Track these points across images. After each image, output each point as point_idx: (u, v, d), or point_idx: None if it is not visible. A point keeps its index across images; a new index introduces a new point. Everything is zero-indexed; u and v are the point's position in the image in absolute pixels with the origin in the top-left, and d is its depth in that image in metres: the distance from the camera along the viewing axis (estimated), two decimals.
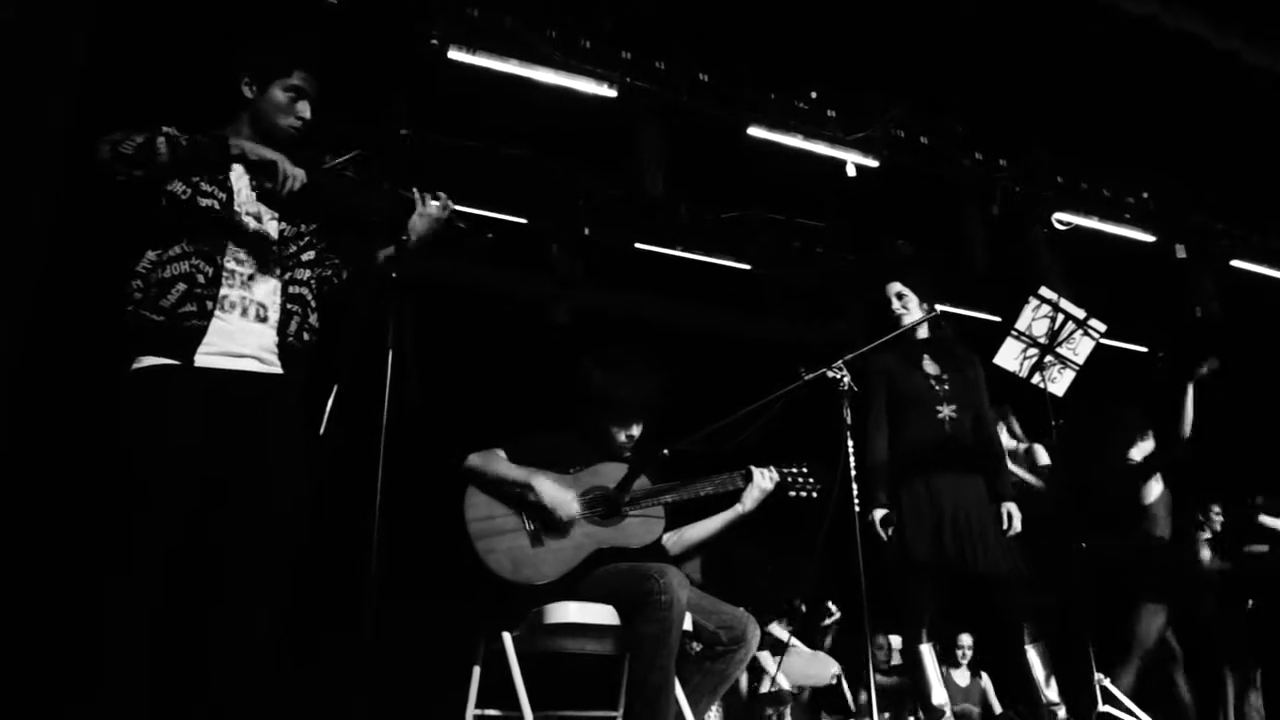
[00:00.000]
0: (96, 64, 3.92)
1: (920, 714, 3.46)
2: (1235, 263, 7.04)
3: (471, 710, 2.79)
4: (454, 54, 4.81)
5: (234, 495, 2.22)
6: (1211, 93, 5.63)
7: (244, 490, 2.23)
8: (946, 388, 3.56)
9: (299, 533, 2.30)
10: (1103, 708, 3.69)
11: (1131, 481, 4.73)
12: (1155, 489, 4.74)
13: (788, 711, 4.74)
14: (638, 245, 6.18)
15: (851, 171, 5.77)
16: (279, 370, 2.34)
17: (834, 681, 5.04)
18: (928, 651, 3.46)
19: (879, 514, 3.45)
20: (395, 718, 3.60)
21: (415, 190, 2.53)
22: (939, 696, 3.43)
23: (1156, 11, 5.19)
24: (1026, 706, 3.56)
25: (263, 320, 2.33)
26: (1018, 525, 3.48)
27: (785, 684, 4.62)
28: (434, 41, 4.79)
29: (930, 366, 3.62)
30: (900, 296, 3.67)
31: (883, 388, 3.59)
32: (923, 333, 3.68)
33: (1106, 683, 3.71)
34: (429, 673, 3.65)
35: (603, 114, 5.21)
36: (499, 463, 2.87)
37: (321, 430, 2.36)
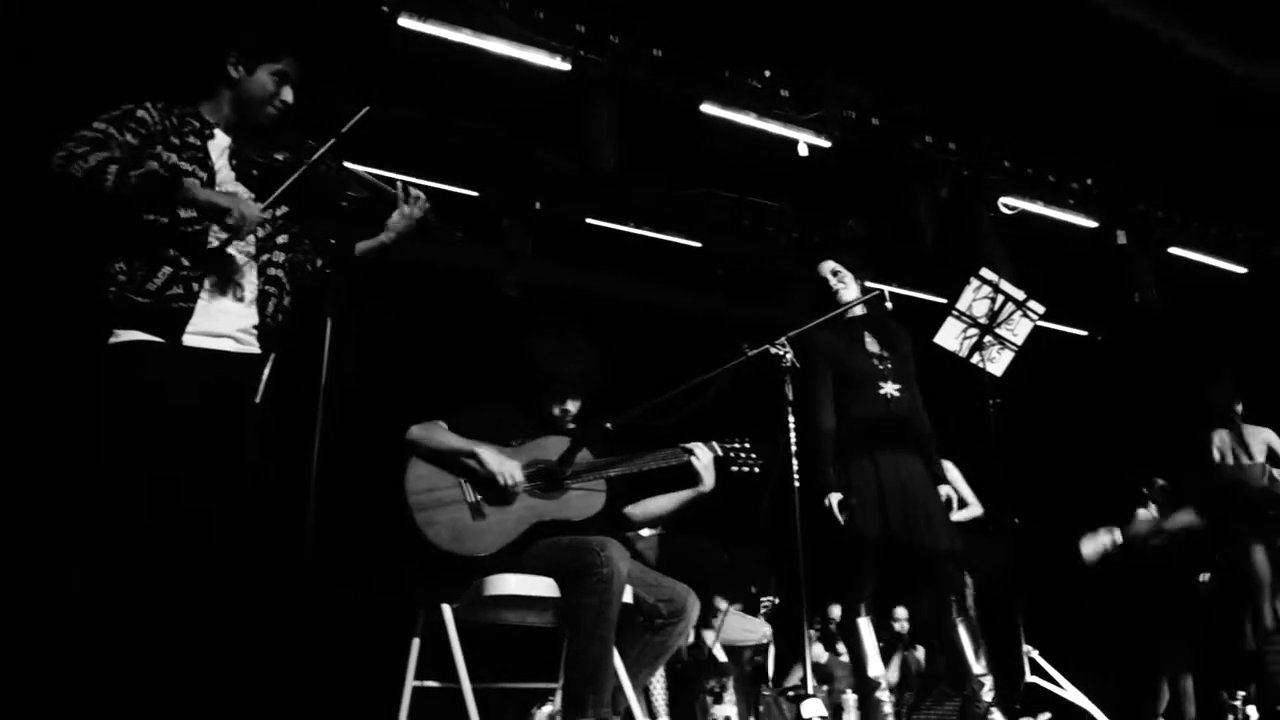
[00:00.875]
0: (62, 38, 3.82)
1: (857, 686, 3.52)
2: (1174, 250, 7.21)
3: (410, 682, 2.78)
4: (405, 21, 4.73)
5: (204, 476, 2.22)
6: (1155, 82, 5.74)
7: (212, 472, 2.23)
8: (889, 366, 3.60)
9: (255, 515, 2.31)
10: (1030, 678, 3.80)
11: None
12: None
13: (730, 683, 4.80)
14: (589, 221, 6.15)
15: (803, 151, 5.80)
16: (257, 350, 2.37)
17: (765, 641, 5.11)
18: (865, 625, 3.51)
19: (835, 498, 3.47)
20: (333, 690, 3.58)
21: (398, 185, 2.55)
22: (875, 668, 3.49)
23: (1105, 1, 5.29)
24: (956, 678, 3.64)
25: (240, 301, 2.33)
26: (957, 510, 3.54)
27: (721, 655, 4.68)
28: (384, 8, 4.71)
29: (871, 345, 3.65)
30: (835, 274, 3.70)
31: (828, 367, 3.61)
32: (859, 310, 3.71)
33: (1035, 654, 3.81)
34: (367, 645, 3.63)
35: (556, 87, 5.17)
36: (441, 433, 2.85)
37: (258, 398, 2.34)
